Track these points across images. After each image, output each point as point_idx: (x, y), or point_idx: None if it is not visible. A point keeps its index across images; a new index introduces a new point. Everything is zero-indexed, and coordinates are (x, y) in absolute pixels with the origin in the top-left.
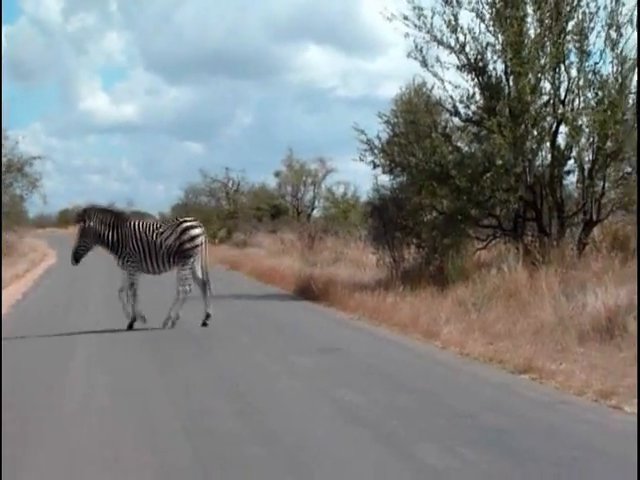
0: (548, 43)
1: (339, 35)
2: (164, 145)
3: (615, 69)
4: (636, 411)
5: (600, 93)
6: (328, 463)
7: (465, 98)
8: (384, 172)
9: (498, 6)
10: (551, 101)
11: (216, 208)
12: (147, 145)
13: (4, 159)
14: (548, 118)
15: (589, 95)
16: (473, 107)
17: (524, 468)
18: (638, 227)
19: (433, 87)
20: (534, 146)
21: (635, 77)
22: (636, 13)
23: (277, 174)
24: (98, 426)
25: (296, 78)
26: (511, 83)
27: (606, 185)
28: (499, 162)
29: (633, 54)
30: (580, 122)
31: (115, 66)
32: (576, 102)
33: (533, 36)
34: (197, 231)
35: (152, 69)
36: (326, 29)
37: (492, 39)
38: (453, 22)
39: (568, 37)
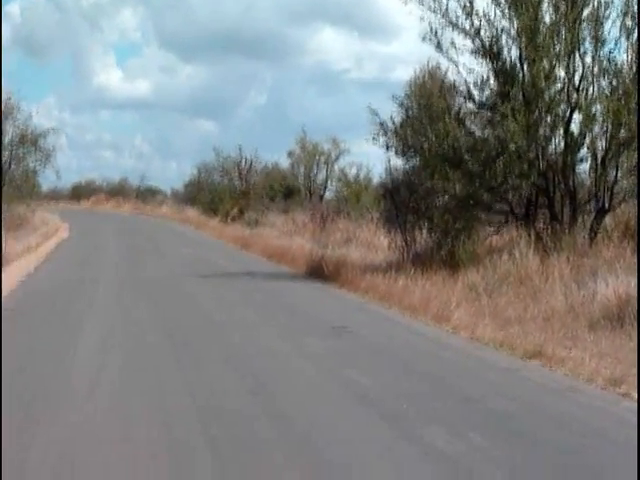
0: (563, 30)
1: (353, 18)
2: (177, 123)
3: (630, 57)
4: None
5: (614, 81)
6: (337, 443)
7: (479, 82)
8: (397, 154)
9: None
10: (565, 88)
11: (229, 186)
12: (160, 122)
13: (18, 130)
14: (562, 105)
15: (603, 83)
16: (487, 92)
17: (531, 454)
18: (638, 219)
19: (447, 71)
20: (547, 132)
21: None
22: None
23: (290, 154)
24: None
25: (310, 60)
26: (525, 69)
27: (619, 174)
28: (512, 147)
29: None
30: (594, 110)
31: (129, 43)
32: (590, 90)
33: (548, 22)
34: None
35: (166, 46)
36: (340, 11)
37: (507, 24)
38: (468, 6)
39: (583, 24)
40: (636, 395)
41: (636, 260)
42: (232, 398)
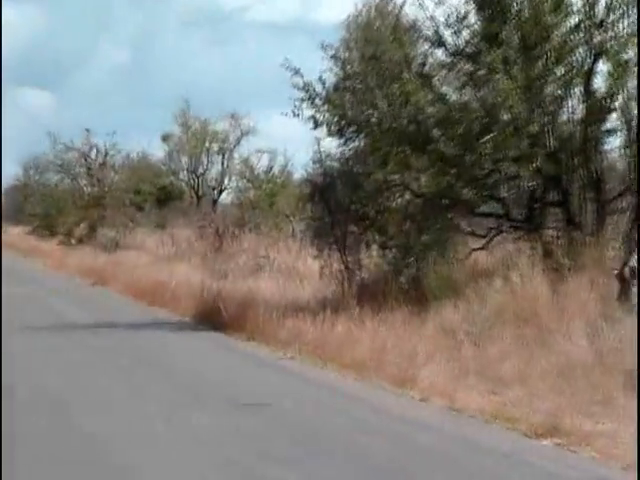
0: None
1: None
2: None
3: None
4: None
5: None
6: None
7: (454, 20)
8: (330, 134)
9: None
10: (583, 24)
11: (72, 191)
12: None
13: None
14: (580, 49)
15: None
16: (466, 33)
17: None
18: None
19: (404, 4)
20: (558, 92)
21: None
22: None
23: (166, 138)
24: None
25: None
26: None
27: None
28: (506, 117)
29: None
30: (627, 55)
31: None
32: (621, 25)
33: None
34: None
35: None
36: None
37: None
38: None
39: None
40: None
41: None
42: None
